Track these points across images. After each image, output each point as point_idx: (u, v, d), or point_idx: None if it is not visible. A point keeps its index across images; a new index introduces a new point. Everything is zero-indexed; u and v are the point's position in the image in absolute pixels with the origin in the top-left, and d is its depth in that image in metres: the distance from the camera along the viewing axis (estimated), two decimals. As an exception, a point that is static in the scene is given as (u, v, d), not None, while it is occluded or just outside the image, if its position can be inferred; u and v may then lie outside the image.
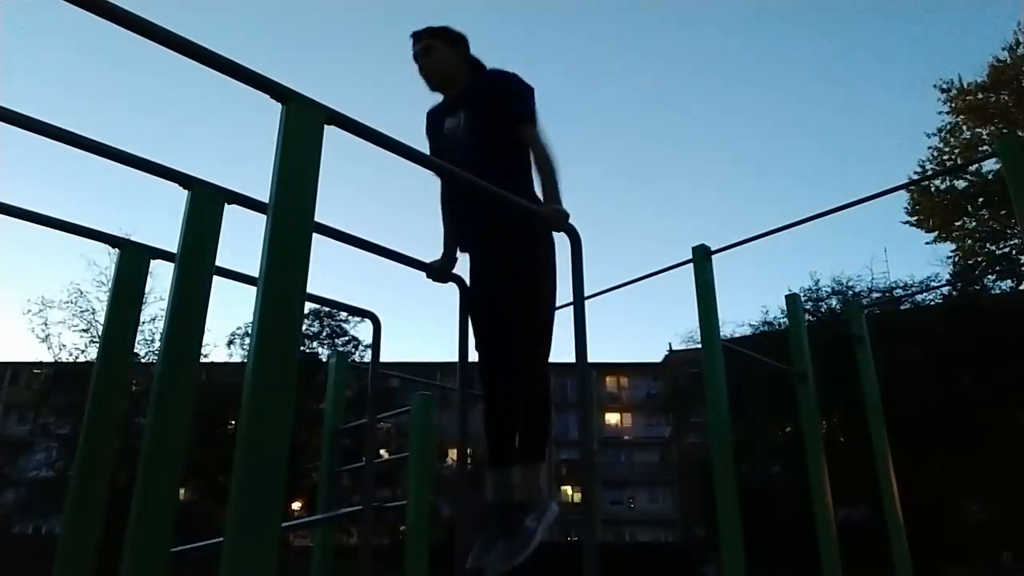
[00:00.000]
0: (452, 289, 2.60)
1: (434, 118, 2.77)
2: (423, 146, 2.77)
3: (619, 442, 43.21)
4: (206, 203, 1.91)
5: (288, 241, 1.43)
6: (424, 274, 2.56)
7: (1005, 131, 15.73)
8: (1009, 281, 16.89)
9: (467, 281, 2.61)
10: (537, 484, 2.37)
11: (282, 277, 1.40)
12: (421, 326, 58.78)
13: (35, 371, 25.57)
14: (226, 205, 1.95)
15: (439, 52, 2.63)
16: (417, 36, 2.66)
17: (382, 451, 17.65)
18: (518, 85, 2.59)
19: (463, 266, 2.67)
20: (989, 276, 16.50)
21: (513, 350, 2.41)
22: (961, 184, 17.09)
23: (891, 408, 4.50)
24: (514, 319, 2.41)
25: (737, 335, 18.48)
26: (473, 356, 2.58)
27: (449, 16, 2.68)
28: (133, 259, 2.09)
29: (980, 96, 17.00)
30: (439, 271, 2.58)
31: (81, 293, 20.19)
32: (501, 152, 2.49)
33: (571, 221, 2.32)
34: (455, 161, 2.45)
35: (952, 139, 17.50)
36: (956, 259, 17.56)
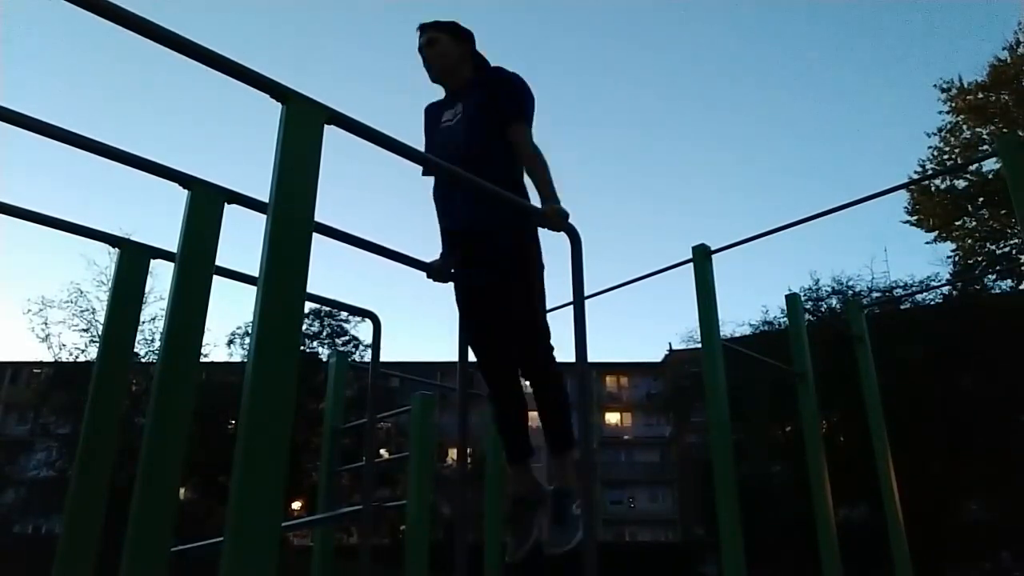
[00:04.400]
0: (452, 289, 2.61)
1: (432, 112, 2.78)
2: (421, 143, 2.77)
3: (619, 442, 43.18)
4: (206, 203, 1.91)
5: (288, 241, 1.43)
6: (424, 274, 2.56)
7: (1005, 131, 15.75)
8: (1009, 281, 16.86)
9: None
10: (574, 471, 2.45)
11: (282, 277, 1.40)
12: (421, 326, 58.80)
13: (35, 371, 25.55)
14: (226, 205, 1.96)
15: (443, 44, 2.65)
16: (424, 28, 2.68)
17: (382, 451, 17.65)
18: (519, 84, 2.60)
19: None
20: (989, 276, 16.46)
21: (525, 347, 2.46)
22: (961, 184, 17.07)
23: (891, 408, 4.50)
24: (516, 316, 2.44)
25: (737, 335, 18.46)
26: (472, 356, 2.58)
27: (448, 14, 2.69)
28: (133, 259, 2.09)
29: (980, 96, 16.97)
30: (439, 271, 2.59)
31: (81, 293, 20.11)
32: (495, 148, 2.51)
33: (571, 221, 2.32)
34: (450, 155, 2.45)
35: (952, 139, 17.48)
36: (956, 259, 17.54)
